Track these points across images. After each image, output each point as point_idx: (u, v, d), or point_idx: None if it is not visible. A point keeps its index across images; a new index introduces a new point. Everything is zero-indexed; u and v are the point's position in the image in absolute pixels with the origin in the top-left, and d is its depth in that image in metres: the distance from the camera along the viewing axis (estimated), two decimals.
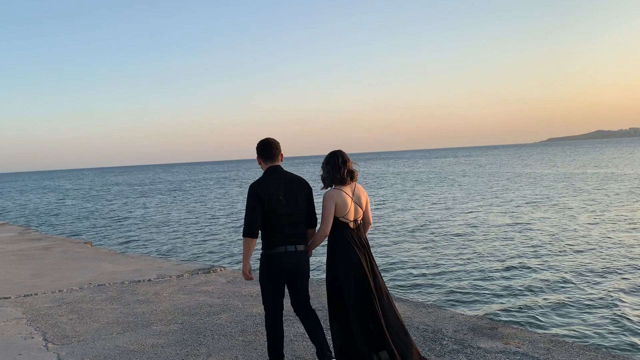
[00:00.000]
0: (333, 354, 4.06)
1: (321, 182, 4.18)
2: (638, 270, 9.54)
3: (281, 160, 4.06)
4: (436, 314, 5.68)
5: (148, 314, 6.01)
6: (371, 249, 4.28)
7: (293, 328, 5.20)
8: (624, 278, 9.05)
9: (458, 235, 14.42)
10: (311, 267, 4.36)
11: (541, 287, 8.70)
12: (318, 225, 4.12)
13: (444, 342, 4.71)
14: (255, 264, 4.37)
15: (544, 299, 8.06)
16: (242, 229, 3.95)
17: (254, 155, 4.15)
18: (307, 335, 4.81)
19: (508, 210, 19.37)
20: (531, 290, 8.53)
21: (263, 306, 4.06)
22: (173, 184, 62.67)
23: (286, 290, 4.08)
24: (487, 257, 11.31)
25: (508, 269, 10.14)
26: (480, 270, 10.07)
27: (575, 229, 14.43)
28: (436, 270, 10.21)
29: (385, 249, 12.83)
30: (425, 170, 61.85)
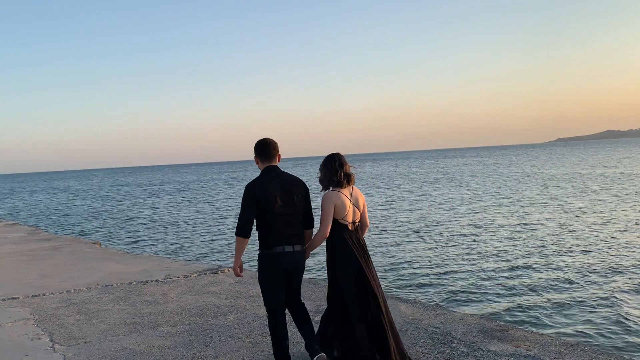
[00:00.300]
0: (321, 348, 4.10)
1: (319, 184, 4.22)
2: None
3: (278, 161, 4.07)
4: (445, 316, 5.62)
5: (155, 315, 5.99)
6: (369, 250, 4.30)
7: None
8: (633, 280, 8.93)
9: (466, 235, 14.32)
10: (309, 266, 4.38)
11: (551, 289, 8.60)
12: (316, 227, 4.15)
13: (453, 345, 4.65)
14: (250, 264, 4.32)
15: (554, 300, 7.96)
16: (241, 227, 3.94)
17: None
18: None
19: (516, 211, 19.22)
20: (541, 292, 8.43)
21: (265, 307, 4.06)
22: (182, 184, 62.87)
23: None
24: (496, 257, 11.21)
25: (517, 269, 10.04)
26: (488, 271, 9.97)
27: (583, 230, 14.28)
28: (444, 271, 10.13)
29: (392, 249, 12.76)
30: (433, 170, 61.63)
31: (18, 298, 7.09)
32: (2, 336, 5.40)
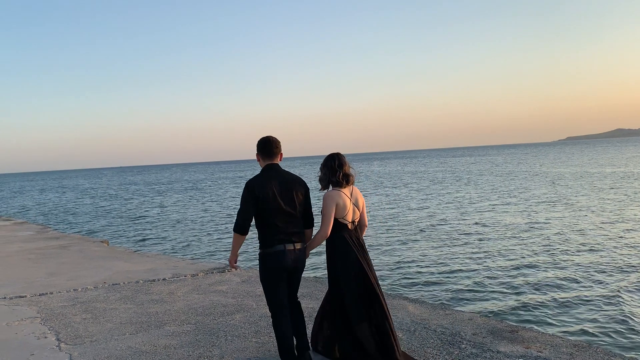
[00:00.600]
0: (312, 347, 4.29)
1: (319, 183, 4.25)
2: None
3: (280, 160, 4.07)
4: (454, 316, 5.54)
5: (161, 314, 5.96)
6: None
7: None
8: None
9: (473, 234, 14.21)
10: (316, 265, 4.40)
11: (560, 289, 8.50)
12: (316, 226, 4.15)
13: (462, 346, 4.58)
14: (257, 262, 4.29)
15: (564, 300, 7.87)
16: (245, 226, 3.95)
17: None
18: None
19: (524, 210, 19.08)
20: (550, 292, 8.34)
21: (268, 307, 4.04)
22: (189, 183, 63.03)
23: None
24: (504, 257, 11.11)
25: (525, 269, 9.94)
26: (497, 271, 9.88)
27: (592, 229, 14.14)
28: (452, 270, 10.05)
29: (400, 247, 12.68)
30: (441, 169, 61.38)
31: (25, 296, 7.09)
32: (8, 335, 5.39)
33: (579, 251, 11.42)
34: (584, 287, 8.59)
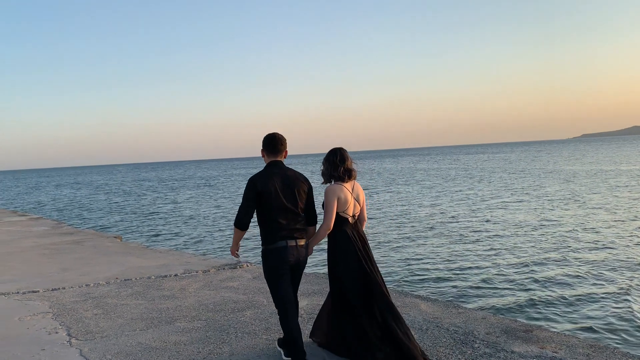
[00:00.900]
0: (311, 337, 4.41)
1: (321, 177, 4.29)
2: None
3: (285, 157, 4.09)
4: (467, 315, 5.46)
5: (172, 310, 5.95)
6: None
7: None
8: None
9: (487, 232, 14.07)
10: (323, 260, 4.43)
11: (576, 288, 8.37)
12: (319, 222, 4.17)
13: (476, 345, 4.50)
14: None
15: (580, 300, 7.74)
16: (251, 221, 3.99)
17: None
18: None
19: (538, 207, 18.86)
20: (566, 291, 8.20)
21: (274, 304, 4.05)
22: (203, 179, 63.31)
23: None
24: (517, 255, 10.97)
25: (540, 268, 9.81)
26: (511, 269, 9.76)
27: (606, 227, 13.92)
28: (464, 268, 9.94)
29: (411, 244, 12.59)
30: (454, 166, 60.99)
31: (38, 291, 7.13)
32: (20, 330, 5.41)
33: (592, 249, 11.25)
34: (598, 285, 8.45)
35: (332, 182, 4.18)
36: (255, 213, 3.98)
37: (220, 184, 50.86)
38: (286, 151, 4.09)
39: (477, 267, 10.01)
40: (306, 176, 4.23)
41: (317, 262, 10.26)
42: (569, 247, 11.61)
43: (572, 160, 58.80)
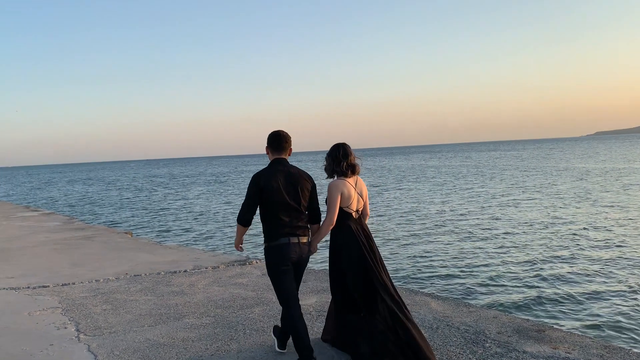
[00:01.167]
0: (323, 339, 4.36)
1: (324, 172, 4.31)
2: None
3: (289, 155, 4.11)
4: (478, 314, 5.38)
5: (181, 306, 5.93)
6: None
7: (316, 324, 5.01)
8: None
9: (498, 230, 13.94)
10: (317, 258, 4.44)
11: (589, 288, 8.24)
12: (323, 218, 4.17)
13: (487, 345, 4.43)
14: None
15: (593, 300, 7.62)
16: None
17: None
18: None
19: (549, 205, 18.66)
20: (580, 291, 8.09)
21: (278, 300, 4.04)
22: (213, 176, 63.51)
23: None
24: (529, 254, 10.85)
25: (553, 267, 9.69)
26: (523, 268, 9.65)
27: (621, 226, 13.73)
28: (476, 267, 9.85)
29: (421, 242, 12.50)
30: (465, 164, 60.64)
31: (48, 286, 7.15)
32: (29, 324, 5.42)
33: (603, 248, 11.11)
34: (609, 284, 8.33)
35: (335, 178, 4.19)
36: (258, 210, 4.01)
37: (230, 180, 50.99)
38: (290, 149, 4.10)
39: (488, 265, 9.91)
40: (316, 173, 4.21)
41: (326, 258, 10.18)
42: (581, 245, 11.47)
43: (585, 157, 58.23)
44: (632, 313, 7.00)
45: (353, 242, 4.08)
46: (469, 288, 8.45)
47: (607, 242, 11.66)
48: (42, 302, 6.32)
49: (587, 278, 8.79)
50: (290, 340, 4.24)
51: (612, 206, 17.69)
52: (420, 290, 7.37)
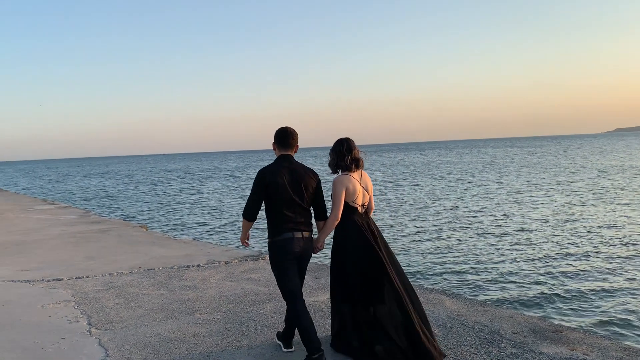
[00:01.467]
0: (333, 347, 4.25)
1: (328, 167, 4.31)
2: None
3: (295, 152, 4.15)
4: (493, 313, 5.28)
5: (193, 301, 5.92)
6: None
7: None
8: None
9: (513, 227, 13.74)
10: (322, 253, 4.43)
11: (609, 288, 8.06)
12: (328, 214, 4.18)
13: (502, 345, 4.34)
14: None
15: (613, 301, 7.45)
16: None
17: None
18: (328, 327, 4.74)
19: (566, 203, 18.37)
20: (598, 291, 7.91)
21: (282, 295, 4.05)
22: (228, 170, 63.74)
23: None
24: (547, 252, 10.66)
25: (570, 266, 9.50)
26: (539, 266, 9.48)
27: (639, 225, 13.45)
28: (491, 265, 9.70)
29: (437, 239, 12.37)
30: (481, 160, 60.08)
31: (62, 279, 7.19)
32: (42, 317, 5.45)
33: (623, 247, 10.87)
34: (632, 285, 8.13)
35: (340, 173, 4.20)
36: (263, 205, 4.06)
37: (245, 175, 51.11)
38: (297, 146, 4.15)
39: (503, 262, 9.76)
40: (318, 170, 4.22)
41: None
42: (597, 243, 11.26)
43: (604, 154, 57.35)
44: None
45: (359, 234, 4.08)
46: (483, 285, 8.33)
47: (624, 241, 11.43)
48: (55, 295, 6.35)
49: (605, 277, 8.61)
50: (298, 337, 4.19)
51: (630, 204, 17.36)
52: (435, 288, 7.27)
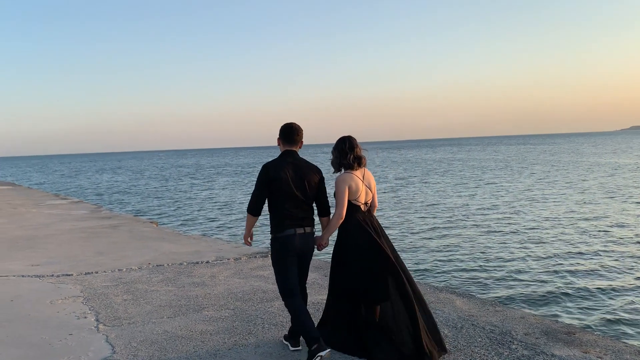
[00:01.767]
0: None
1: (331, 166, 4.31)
2: None
3: (300, 147, 4.17)
4: (504, 314, 5.19)
5: (201, 298, 5.89)
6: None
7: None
8: None
9: (527, 226, 13.59)
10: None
11: (625, 290, 7.92)
12: (332, 211, 4.20)
13: (513, 346, 4.25)
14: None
15: (628, 303, 7.32)
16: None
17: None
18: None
19: (580, 201, 18.15)
20: (613, 293, 7.77)
21: (279, 291, 4.08)
22: (239, 166, 63.90)
23: None
24: (559, 252, 10.52)
25: (583, 266, 9.37)
26: (552, 266, 9.36)
27: None
28: (503, 264, 9.59)
29: (448, 237, 12.26)
30: (493, 157, 59.65)
31: (72, 275, 7.20)
32: (51, 313, 5.45)
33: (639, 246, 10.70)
34: None
35: (342, 171, 4.20)
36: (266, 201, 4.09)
37: (256, 171, 51.16)
38: (302, 142, 4.17)
39: (517, 263, 9.65)
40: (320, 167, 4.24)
41: None
42: (610, 243, 11.09)
43: (618, 152, 56.68)
44: None
45: (362, 232, 4.07)
46: (493, 284, 8.23)
47: (637, 240, 11.26)
48: (64, 290, 6.36)
49: (618, 277, 8.47)
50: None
51: None
52: (445, 287, 7.19)
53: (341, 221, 4.10)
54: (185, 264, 7.81)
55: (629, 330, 6.29)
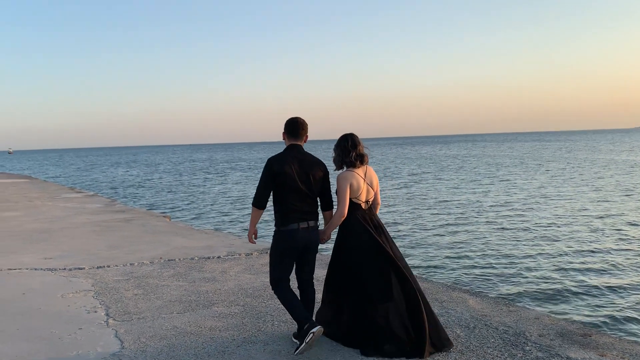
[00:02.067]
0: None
1: (333, 163, 4.32)
2: None
3: (305, 142, 4.19)
4: (518, 314, 5.10)
5: (211, 294, 5.87)
6: (387, 228, 4.32)
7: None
8: None
9: (541, 224, 13.39)
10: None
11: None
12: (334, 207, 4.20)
13: (527, 348, 4.17)
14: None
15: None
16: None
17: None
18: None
19: (595, 199, 17.86)
20: (631, 294, 7.61)
21: (269, 279, 4.18)
22: (253, 161, 64.04)
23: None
24: (575, 250, 10.35)
25: (598, 265, 9.19)
26: (567, 265, 9.20)
27: None
28: (517, 262, 9.45)
29: (461, 235, 12.13)
30: (508, 154, 59.09)
31: (84, 268, 7.23)
32: (61, 307, 5.46)
33: None
34: None
35: (344, 169, 4.21)
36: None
37: None
38: (306, 136, 4.19)
39: (531, 262, 9.50)
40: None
41: None
42: (627, 243, 10.88)
43: (635, 150, 55.83)
44: None
45: (363, 231, 4.07)
46: (509, 286, 8.10)
47: None
48: (76, 284, 6.38)
49: (636, 279, 8.30)
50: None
51: None
52: (458, 286, 7.10)
53: (343, 219, 4.10)
54: (196, 258, 7.81)
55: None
